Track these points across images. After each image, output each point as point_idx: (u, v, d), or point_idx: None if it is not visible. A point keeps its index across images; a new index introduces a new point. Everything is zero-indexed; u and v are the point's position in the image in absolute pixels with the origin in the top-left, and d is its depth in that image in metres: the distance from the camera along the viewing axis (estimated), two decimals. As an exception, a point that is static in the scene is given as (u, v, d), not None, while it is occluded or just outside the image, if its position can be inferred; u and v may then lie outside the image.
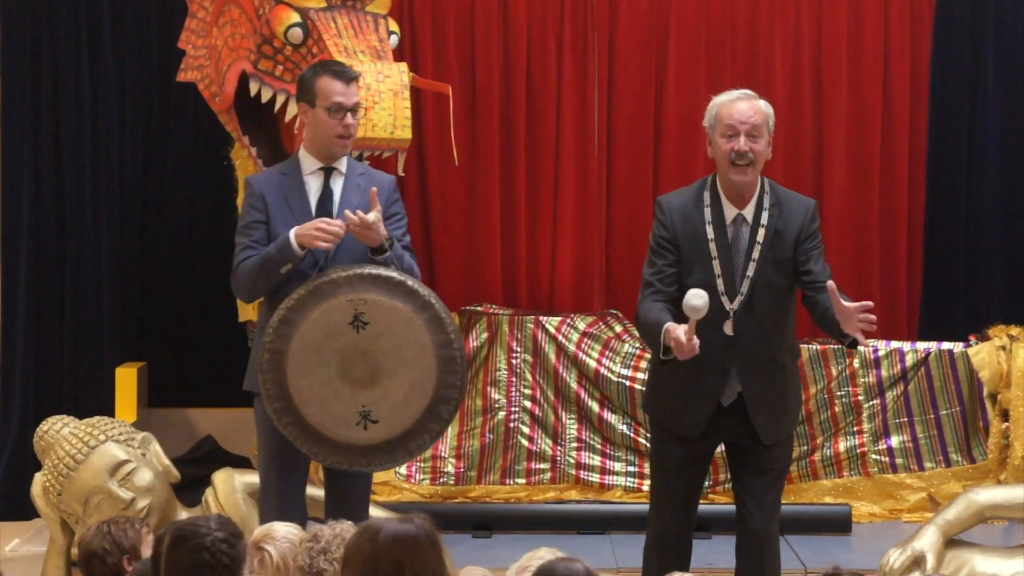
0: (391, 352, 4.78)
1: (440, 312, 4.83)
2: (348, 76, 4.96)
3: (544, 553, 3.57)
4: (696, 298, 4.47)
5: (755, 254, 4.78)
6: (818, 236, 4.86)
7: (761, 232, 4.79)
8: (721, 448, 5.12)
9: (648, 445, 7.01)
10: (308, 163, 4.99)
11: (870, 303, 4.56)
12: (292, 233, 4.79)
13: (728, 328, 4.79)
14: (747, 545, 4.96)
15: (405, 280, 4.82)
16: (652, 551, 5.01)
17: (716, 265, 4.77)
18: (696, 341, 4.51)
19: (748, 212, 4.81)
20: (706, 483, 6.68)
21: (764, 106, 4.83)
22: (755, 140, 4.75)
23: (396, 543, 3.20)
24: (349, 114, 4.92)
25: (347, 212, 4.80)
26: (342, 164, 5.01)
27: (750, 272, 4.77)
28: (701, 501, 5.10)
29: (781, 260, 4.80)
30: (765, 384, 4.82)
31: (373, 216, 4.80)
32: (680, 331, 4.53)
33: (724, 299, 4.76)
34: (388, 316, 4.77)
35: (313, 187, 4.97)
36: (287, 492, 4.96)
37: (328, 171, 4.99)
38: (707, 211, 4.81)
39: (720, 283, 4.76)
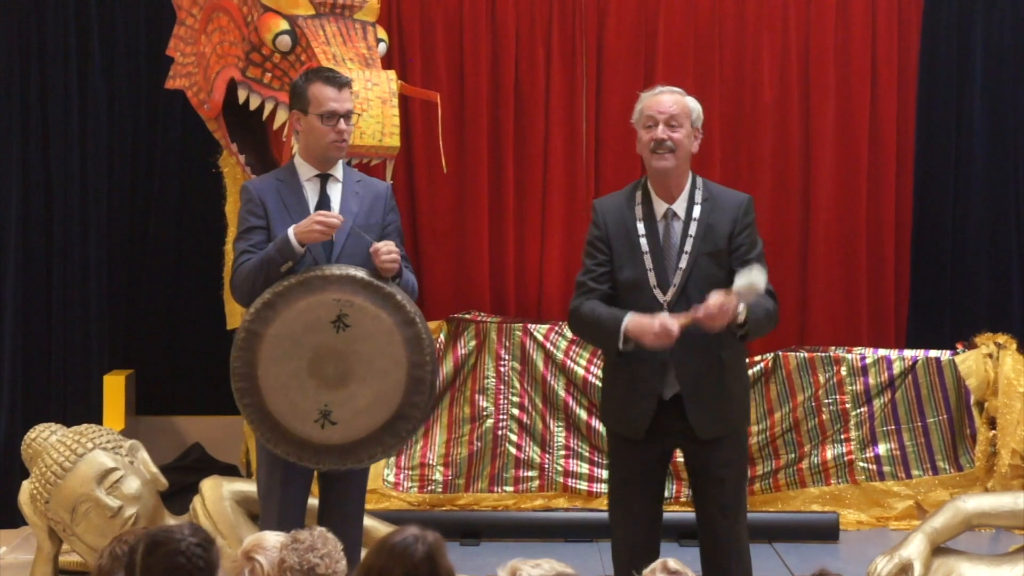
0: (365, 359, 4.78)
1: (422, 332, 4.82)
2: (340, 82, 4.96)
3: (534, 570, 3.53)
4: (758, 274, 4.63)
5: (687, 247, 4.82)
6: (753, 234, 4.89)
7: (693, 226, 4.84)
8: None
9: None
10: (304, 170, 4.99)
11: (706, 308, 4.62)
12: (291, 231, 4.78)
13: None
14: (713, 552, 4.94)
15: (395, 293, 4.82)
16: (620, 562, 4.99)
17: (647, 260, 4.82)
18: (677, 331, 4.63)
19: (679, 207, 4.86)
20: (685, 491, 6.71)
21: (689, 101, 4.91)
22: (674, 129, 4.83)
23: (424, 566, 3.20)
24: (343, 120, 4.92)
25: (376, 246, 4.83)
26: (338, 171, 5.01)
27: (683, 264, 4.81)
28: (687, 509, 5.07)
29: (716, 252, 4.83)
30: (702, 377, 4.82)
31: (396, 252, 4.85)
32: (665, 318, 4.63)
33: (657, 292, 4.80)
34: (371, 324, 4.77)
35: (311, 193, 4.97)
36: (288, 500, 4.93)
37: (324, 178, 4.99)
38: (638, 208, 4.88)
39: (652, 277, 4.81)
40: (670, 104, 4.86)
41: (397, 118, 5.82)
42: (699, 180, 4.91)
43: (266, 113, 6.09)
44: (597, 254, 4.89)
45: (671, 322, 4.62)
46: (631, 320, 4.69)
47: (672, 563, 3.63)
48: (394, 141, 5.81)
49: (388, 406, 4.80)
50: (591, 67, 7.60)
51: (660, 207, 4.85)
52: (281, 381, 4.77)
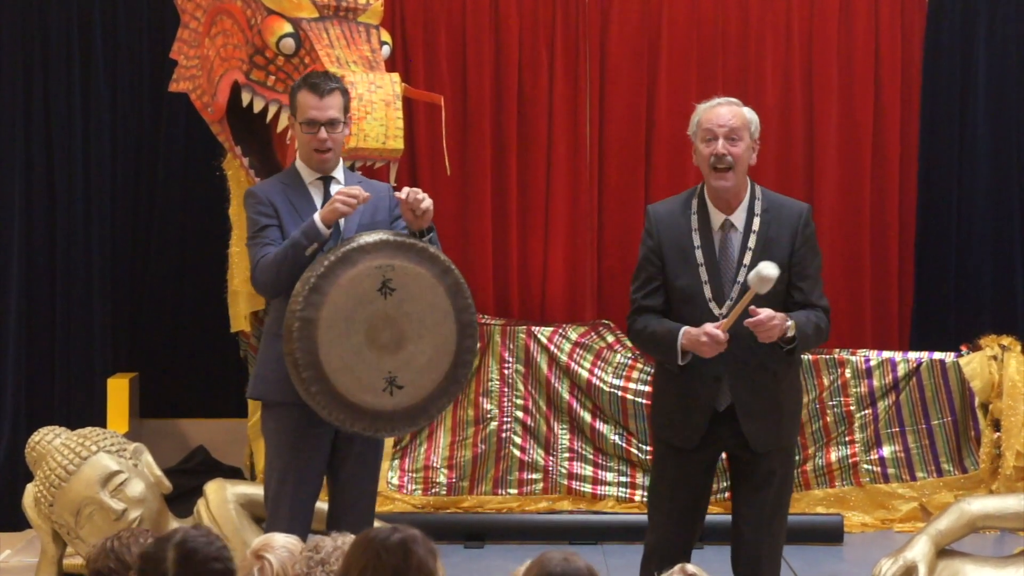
0: (415, 318, 4.82)
1: (459, 278, 4.89)
2: (323, 90, 4.93)
3: None
4: (770, 267, 4.55)
5: (747, 260, 4.73)
6: (813, 246, 4.84)
7: (752, 238, 4.76)
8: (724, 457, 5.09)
9: (640, 455, 7.04)
10: (306, 173, 5.00)
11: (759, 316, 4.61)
12: (316, 215, 4.80)
13: None
14: (742, 558, 4.91)
15: (427, 247, 4.86)
16: (649, 562, 4.97)
17: (703, 272, 4.75)
18: (726, 335, 4.61)
19: (737, 218, 4.78)
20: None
21: (746, 112, 4.83)
22: (734, 144, 4.74)
23: (397, 551, 3.19)
24: (323, 129, 4.91)
25: (398, 194, 4.88)
26: (339, 173, 5.03)
27: (741, 278, 4.73)
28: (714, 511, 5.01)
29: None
30: (755, 391, 4.77)
31: (426, 201, 4.89)
32: (709, 328, 4.60)
33: (712, 305, 4.74)
34: (414, 282, 4.81)
35: (317, 195, 4.98)
36: (298, 505, 4.93)
37: (327, 180, 5.00)
38: (693, 218, 4.80)
39: (707, 290, 4.74)
40: (729, 117, 4.77)
41: (401, 121, 5.83)
42: (758, 189, 4.84)
43: (270, 116, 6.09)
44: (649, 267, 4.83)
45: (715, 330, 4.60)
46: (684, 335, 4.67)
47: (690, 567, 3.64)
48: (398, 144, 5.81)
49: (447, 357, 4.87)
50: (594, 70, 7.60)
51: (717, 218, 4.78)
52: (345, 360, 4.76)
